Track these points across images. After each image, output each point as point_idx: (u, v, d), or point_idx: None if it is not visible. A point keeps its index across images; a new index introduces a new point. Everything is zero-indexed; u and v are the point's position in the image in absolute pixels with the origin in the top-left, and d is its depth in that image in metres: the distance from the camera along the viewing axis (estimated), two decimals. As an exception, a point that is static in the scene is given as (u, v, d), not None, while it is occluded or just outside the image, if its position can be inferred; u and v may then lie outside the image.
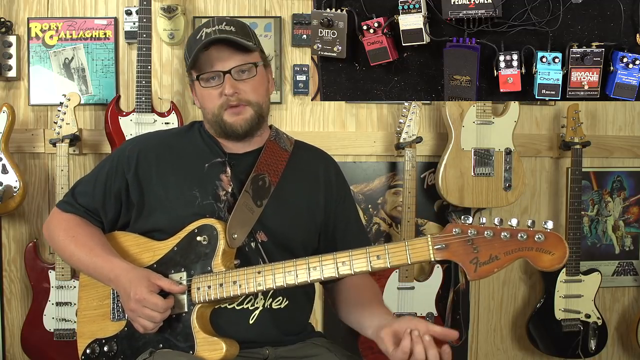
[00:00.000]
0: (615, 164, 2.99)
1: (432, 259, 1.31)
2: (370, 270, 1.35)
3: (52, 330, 2.56)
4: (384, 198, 2.87)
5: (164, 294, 1.44)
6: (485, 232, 1.28)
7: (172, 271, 1.49)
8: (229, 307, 1.51)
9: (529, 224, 1.27)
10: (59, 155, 2.53)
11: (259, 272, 1.41)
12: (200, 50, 1.51)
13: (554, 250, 1.25)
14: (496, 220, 1.29)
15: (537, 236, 1.26)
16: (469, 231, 1.29)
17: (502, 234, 1.27)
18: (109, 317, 1.56)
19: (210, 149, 1.60)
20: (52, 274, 2.57)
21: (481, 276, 1.28)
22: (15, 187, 2.54)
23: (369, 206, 2.86)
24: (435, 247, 1.30)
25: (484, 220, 1.30)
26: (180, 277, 1.47)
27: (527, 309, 2.95)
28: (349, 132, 2.84)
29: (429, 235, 1.32)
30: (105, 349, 1.53)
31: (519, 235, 1.27)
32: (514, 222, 1.28)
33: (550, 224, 1.27)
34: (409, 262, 1.33)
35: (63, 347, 2.54)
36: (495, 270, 1.27)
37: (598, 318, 2.79)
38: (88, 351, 1.56)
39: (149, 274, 1.46)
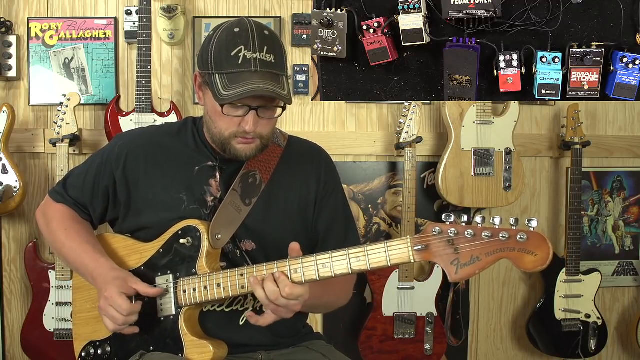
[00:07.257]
0: (615, 164, 2.99)
1: (412, 261, 1.26)
2: (350, 272, 1.30)
3: (52, 330, 2.57)
4: (384, 198, 2.87)
5: (142, 298, 1.44)
6: (466, 232, 1.22)
7: (159, 274, 1.49)
8: (217, 309, 1.50)
9: (512, 222, 1.20)
10: (59, 155, 2.53)
11: (241, 275, 1.39)
12: (242, 94, 1.36)
13: (536, 250, 1.18)
14: (479, 219, 1.23)
15: (519, 236, 1.19)
16: (449, 231, 1.22)
17: (483, 233, 1.21)
18: (102, 319, 1.55)
19: (202, 151, 1.57)
20: (52, 274, 2.57)
21: (462, 278, 1.22)
22: (15, 187, 2.54)
23: (369, 206, 2.86)
24: (415, 248, 1.25)
25: (465, 218, 1.24)
26: (167, 280, 1.48)
27: (527, 309, 2.95)
28: (349, 132, 2.84)
29: (408, 236, 1.26)
30: (99, 351, 1.55)
31: (501, 234, 1.20)
32: (496, 221, 1.22)
33: (534, 223, 1.19)
34: (389, 264, 1.28)
35: (63, 347, 2.54)
36: (477, 272, 1.21)
37: (598, 318, 2.79)
38: (83, 354, 1.57)
39: (127, 277, 1.46)
